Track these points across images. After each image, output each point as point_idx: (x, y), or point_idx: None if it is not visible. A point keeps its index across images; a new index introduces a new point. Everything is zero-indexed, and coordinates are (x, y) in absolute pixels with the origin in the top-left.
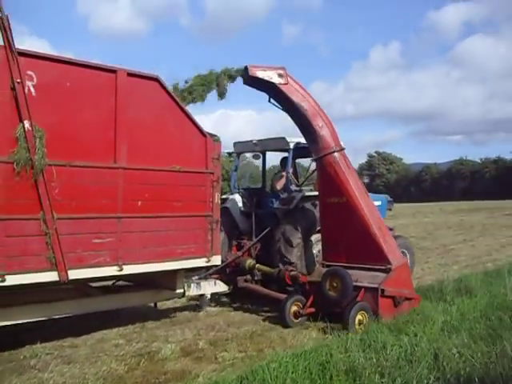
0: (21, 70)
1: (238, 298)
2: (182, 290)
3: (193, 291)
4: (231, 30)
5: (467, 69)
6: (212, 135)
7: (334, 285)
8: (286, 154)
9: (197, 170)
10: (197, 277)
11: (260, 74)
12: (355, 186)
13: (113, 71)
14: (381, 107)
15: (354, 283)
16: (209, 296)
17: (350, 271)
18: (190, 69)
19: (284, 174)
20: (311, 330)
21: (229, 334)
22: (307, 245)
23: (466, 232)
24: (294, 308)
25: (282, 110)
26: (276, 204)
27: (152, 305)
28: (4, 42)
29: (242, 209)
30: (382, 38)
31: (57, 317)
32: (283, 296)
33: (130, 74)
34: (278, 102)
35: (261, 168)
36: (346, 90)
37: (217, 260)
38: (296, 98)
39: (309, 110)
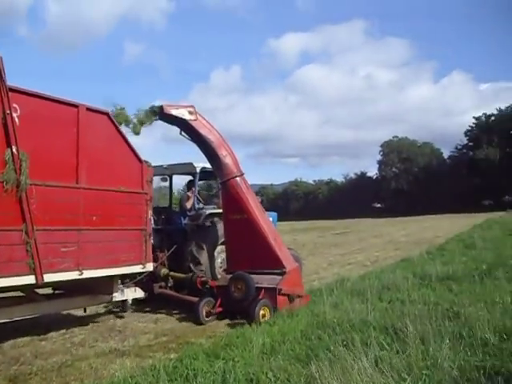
0: (10, 103)
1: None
2: (117, 294)
3: (118, 297)
4: (74, 43)
5: (303, 95)
6: (146, 162)
7: (239, 287)
8: (191, 177)
9: (135, 190)
10: (121, 284)
11: (174, 111)
12: (254, 205)
13: (75, 106)
14: (221, 129)
15: (256, 285)
16: (130, 301)
17: (251, 275)
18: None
19: (191, 194)
20: (126, 358)
21: (34, 368)
22: (212, 256)
23: (298, 251)
24: (206, 308)
25: (192, 141)
26: (185, 221)
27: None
28: None
29: (153, 226)
30: (223, 62)
31: (15, 319)
32: (195, 299)
33: (88, 109)
34: (188, 135)
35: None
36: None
37: (150, 266)
38: (204, 131)
39: (215, 142)
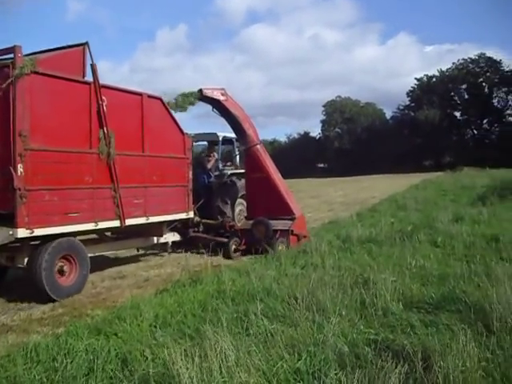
0: (102, 96)
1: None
2: (163, 237)
3: (162, 240)
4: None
5: (250, 55)
6: (186, 133)
7: (260, 229)
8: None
9: (180, 156)
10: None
11: (210, 93)
12: (270, 166)
13: (140, 94)
14: (168, 88)
15: (273, 227)
16: (170, 243)
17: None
18: None
19: (212, 157)
20: (10, 335)
21: None
22: (233, 207)
23: None
24: (234, 246)
25: (221, 116)
26: (211, 179)
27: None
28: (94, 80)
29: None
30: (169, 21)
31: (96, 254)
32: (225, 239)
33: (148, 96)
34: (218, 111)
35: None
36: (132, 70)
37: (191, 214)
38: (232, 109)
39: (240, 117)
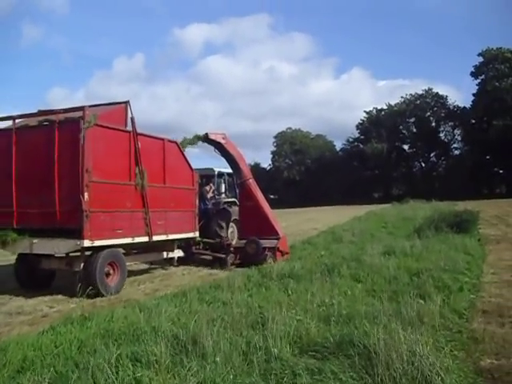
0: (138, 141)
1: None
2: (172, 253)
3: (171, 255)
4: None
5: (206, 85)
6: (194, 169)
7: (252, 247)
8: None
9: (190, 187)
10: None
11: (213, 137)
12: (260, 196)
13: (162, 139)
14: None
15: (263, 245)
16: (176, 258)
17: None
18: None
19: (209, 188)
20: None
21: None
22: (227, 228)
23: None
24: (230, 260)
25: (221, 155)
26: (209, 205)
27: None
28: (133, 129)
29: None
30: (126, 49)
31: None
32: (222, 255)
33: (168, 140)
34: (219, 152)
35: None
36: (88, 97)
37: (197, 233)
38: (230, 150)
39: (237, 157)
